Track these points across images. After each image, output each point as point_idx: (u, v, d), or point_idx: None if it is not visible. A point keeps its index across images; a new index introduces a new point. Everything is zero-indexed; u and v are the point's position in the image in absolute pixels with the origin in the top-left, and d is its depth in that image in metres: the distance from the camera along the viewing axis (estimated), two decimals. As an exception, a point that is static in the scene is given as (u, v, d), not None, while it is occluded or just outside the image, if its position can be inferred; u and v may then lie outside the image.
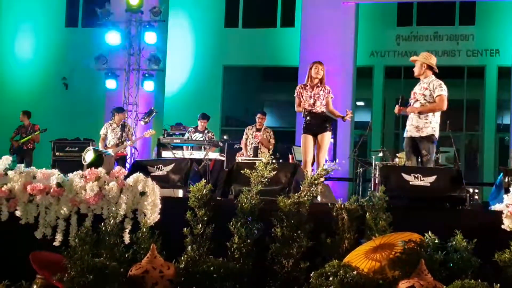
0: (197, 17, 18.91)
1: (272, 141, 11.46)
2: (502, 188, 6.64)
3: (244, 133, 11.67)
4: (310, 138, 8.17)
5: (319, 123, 8.17)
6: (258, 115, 11.57)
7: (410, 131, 7.69)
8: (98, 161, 7.26)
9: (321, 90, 8.17)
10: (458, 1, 17.86)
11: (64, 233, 5.83)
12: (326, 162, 8.33)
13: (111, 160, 9.99)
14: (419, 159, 7.70)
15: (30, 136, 13.46)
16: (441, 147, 11.19)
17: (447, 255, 5.14)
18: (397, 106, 7.82)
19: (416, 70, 7.81)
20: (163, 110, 16.40)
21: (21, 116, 13.83)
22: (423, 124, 7.60)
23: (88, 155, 7.53)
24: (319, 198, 6.66)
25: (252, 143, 11.44)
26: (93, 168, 6.08)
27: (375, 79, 18.40)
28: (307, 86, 8.23)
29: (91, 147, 8.27)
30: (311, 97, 8.14)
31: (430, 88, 7.62)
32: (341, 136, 14.81)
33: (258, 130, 11.51)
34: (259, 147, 11.34)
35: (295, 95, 8.34)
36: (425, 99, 7.63)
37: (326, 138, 8.15)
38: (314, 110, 8.14)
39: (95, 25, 16.15)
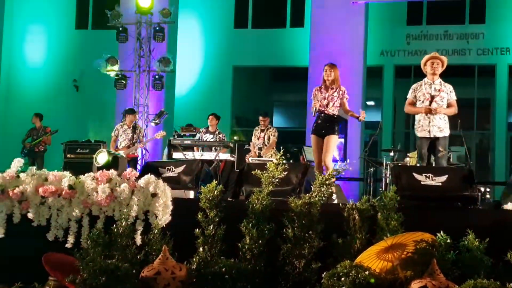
0: (206, 18, 18.91)
1: (273, 138, 11.43)
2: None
3: (252, 134, 11.74)
4: (317, 139, 8.22)
5: (328, 125, 8.19)
6: (260, 117, 11.63)
7: (433, 131, 7.74)
8: (113, 163, 7.28)
9: (335, 91, 8.21)
10: (468, 0, 17.82)
11: (76, 235, 5.86)
12: (337, 162, 8.34)
13: (124, 162, 10.04)
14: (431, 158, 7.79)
15: (41, 138, 13.53)
16: (452, 146, 11.14)
17: (459, 255, 5.15)
18: (426, 106, 7.78)
19: (439, 70, 7.86)
20: (173, 112, 16.43)
21: (33, 119, 13.91)
22: (444, 124, 7.76)
23: (101, 157, 7.52)
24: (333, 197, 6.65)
25: (256, 145, 11.49)
26: (104, 170, 6.11)
27: (385, 79, 18.31)
28: (322, 88, 8.29)
29: (104, 149, 8.26)
30: (324, 98, 8.19)
31: (446, 91, 7.80)
32: (351, 136, 14.79)
33: (262, 131, 11.55)
34: (262, 148, 11.38)
35: (311, 97, 8.39)
36: (442, 101, 7.76)
37: (332, 140, 8.16)
38: (326, 112, 8.18)
39: (105, 27, 16.19)
